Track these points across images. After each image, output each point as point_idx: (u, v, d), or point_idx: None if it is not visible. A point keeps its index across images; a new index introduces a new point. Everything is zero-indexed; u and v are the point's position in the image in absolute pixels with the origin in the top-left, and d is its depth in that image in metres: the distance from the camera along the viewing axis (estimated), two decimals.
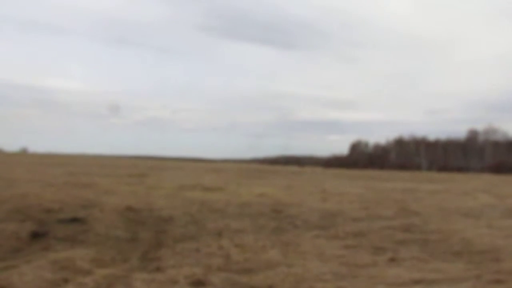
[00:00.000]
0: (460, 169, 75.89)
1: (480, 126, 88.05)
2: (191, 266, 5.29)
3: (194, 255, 6.01)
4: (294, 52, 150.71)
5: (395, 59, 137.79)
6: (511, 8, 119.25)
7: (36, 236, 6.99)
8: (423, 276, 5.07)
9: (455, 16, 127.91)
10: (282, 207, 11.60)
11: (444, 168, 79.86)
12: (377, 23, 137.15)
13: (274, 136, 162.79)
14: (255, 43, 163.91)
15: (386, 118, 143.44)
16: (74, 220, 8.55)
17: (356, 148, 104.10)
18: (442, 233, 8.11)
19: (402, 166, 74.23)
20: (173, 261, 5.55)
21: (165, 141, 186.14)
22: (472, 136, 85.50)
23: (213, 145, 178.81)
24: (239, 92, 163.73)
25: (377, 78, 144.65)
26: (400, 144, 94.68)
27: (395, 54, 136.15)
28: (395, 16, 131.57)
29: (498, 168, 59.68)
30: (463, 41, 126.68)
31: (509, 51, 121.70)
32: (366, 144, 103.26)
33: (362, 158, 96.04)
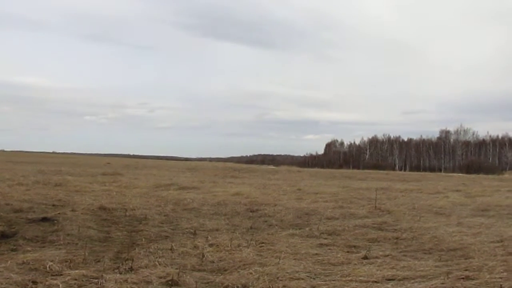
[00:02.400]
0: (432, 168, 77.65)
1: (451, 127, 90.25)
2: (165, 266, 5.24)
3: (168, 254, 5.95)
4: (272, 51, 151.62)
5: (371, 61, 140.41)
6: (484, 17, 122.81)
7: (4, 236, 6.79)
8: (395, 273, 5.16)
9: (429, 22, 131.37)
10: (258, 206, 11.62)
11: (417, 167, 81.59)
12: (354, 25, 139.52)
13: (250, 135, 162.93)
14: (234, 42, 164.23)
15: (361, 118, 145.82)
16: (44, 220, 8.35)
17: (331, 147, 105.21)
18: (414, 231, 8.27)
19: (377, 165, 75.39)
20: (146, 261, 5.48)
21: (140, 139, 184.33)
22: (444, 136, 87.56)
23: (190, 144, 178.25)
24: (216, 91, 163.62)
25: (353, 79, 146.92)
26: (374, 144, 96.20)
27: (371, 56, 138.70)
28: (372, 20, 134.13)
29: (469, 168, 61.25)
30: (437, 46, 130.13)
31: (480, 57, 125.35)
32: (341, 144, 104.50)
33: (337, 158, 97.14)
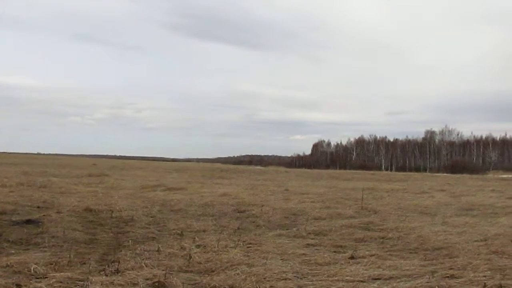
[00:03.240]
0: (417, 169, 78.47)
1: (436, 127, 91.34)
2: (151, 268, 5.20)
3: (155, 256, 5.91)
4: (260, 52, 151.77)
5: (357, 62, 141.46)
6: (468, 19, 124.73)
7: None
8: (381, 273, 5.20)
9: (415, 25, 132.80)
10: (245, 207, 11.62)
11: (402, 167, 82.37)
12: (341, 27, 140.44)
13: (238, 136, 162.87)
14: (222, 42, 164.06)
15: (348, 119, 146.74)
16: (29, 222, 8.24)
17: (318, 148, 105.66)
18: (400, 231, 8.35)
19: (363, 165, 75.97)
20: (133, 262, 5.43)
21: (127, 140, 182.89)
22: (429, 137, 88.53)
23: (177, 144, 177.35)
24: (204, 91, 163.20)
25: (339, 80, 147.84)
26: (361, 144, 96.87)
27: (358, 57, 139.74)
28: (359, 22, 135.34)
29: (453, 168, 62.07)
30: (422, 48, 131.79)
31: (464, 58, 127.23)
32: (328, 144, 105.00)
33: (324, 158, 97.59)
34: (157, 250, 6.20)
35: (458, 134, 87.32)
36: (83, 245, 6.67)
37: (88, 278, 4.68)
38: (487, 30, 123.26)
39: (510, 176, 48.64)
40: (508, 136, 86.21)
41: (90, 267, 5.17)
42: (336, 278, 4.97)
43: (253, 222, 9.35)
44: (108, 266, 5.23)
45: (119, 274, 4.93)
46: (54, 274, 4.82)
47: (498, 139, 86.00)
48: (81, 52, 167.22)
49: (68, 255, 5.67)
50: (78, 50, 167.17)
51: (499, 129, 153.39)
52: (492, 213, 11.65)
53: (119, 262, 5.38)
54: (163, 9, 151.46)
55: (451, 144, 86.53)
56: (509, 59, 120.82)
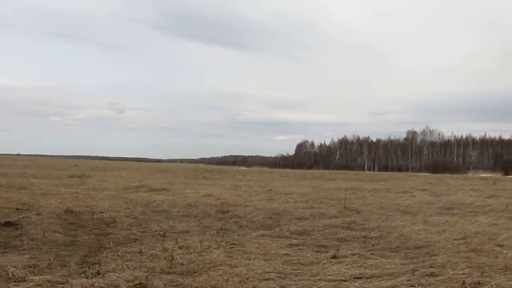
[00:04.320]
0: (400, 168, 79.43)
1: (418, 128, 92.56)
2: (133, 270, 5.15)
3: (137, 258, 5.86)
4: (244, 53, 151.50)
5: (341, 63, 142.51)
6: (448, 23, 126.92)
7: None
8: (362, 271, 5.25)
9: (397, 27, 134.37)
10: (228, 207, 11.60)
11: (385, 167, 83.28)
12: (326, 29, 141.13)
13: (221, 137, 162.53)
14: (206, 43, 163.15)
15: (331, 119, 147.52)
16: (7, 224, 8.07)
17: (302, 148, 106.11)
18: (382, 230, 8.44)
19: (346, 165, 76.50)
20: (114, 264, 5.38)
21: (110, 140, 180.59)
22: (411, 137, 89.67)
23: (160, 145, 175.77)
24: (188, 91, 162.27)
25: (323, 80, 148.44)
26: (344, 144, 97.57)
27: (341, 58, 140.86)
28: (343, 24, 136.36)
29: (435, 167, 62.98)
30: (403, 50, 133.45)
31: (444, 60, 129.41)
32: (312, 145, 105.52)
33: (308, 158, 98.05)
34: (139, 252, 6.15)
35: (439, 134, 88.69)
36: (63, 247, 6.57)
37: (68, 280, 4.61)
38: (469, 33, 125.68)
39: (489, 175, 49.60)
40: (487, 136, 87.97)
41: (70, 270, 5.10)
42: (318, 277, 5.00)
43: (237, 222, 9.34)
44: (89, 268, 5.17)
45: (100, 276, 4.88)
46: (33, 277, 4.75)
47: (477, 139, 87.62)
48: (62, 51, 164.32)
49: (48, 258, 5.59)
50: (59, 49, 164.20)
51: (478, 129, 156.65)
52: (471, 212, 11.86)
53: (100, 264, 5.32)
54: (147, 8, 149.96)
55: (432, 144, 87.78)
56: (488, 62, 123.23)
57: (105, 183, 19.84)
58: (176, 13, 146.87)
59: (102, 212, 10.16)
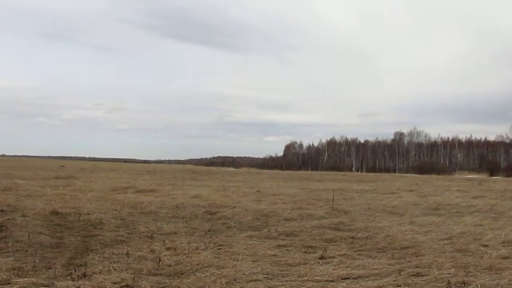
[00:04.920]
0: (387, 169, 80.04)
1: (405, 129, 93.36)
2: (120, 271, 5.12)
3: (124, 259, 5.82)
4: (233, 54, 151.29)
5: (330, 65, 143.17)
6: (436, 26, 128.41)
7: None
8: (349, 272, 5.28)
9: (385, 30, 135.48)
10: (217, 208, 11.57)
11: (372, 168, 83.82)
12: (313, 30, 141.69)
13: (210, 138, 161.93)
14: (194, 43, 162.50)
15: (320, 121, 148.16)
16: None
17: (290, 149, 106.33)
18: (369, 231, 8.50)
19: (334, 166, 76.81)
20: (101, 266, 5.34)
21: (97, 141, 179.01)
22: (398, 138, 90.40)
23: (148, 146, 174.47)
24: (177, 92, 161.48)
25: (312, 82, 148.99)
26: (332, 145, 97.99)
27: (331, 60, 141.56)
28: (332, 26, 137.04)
29: (421, 168, 63.56)
30: (392, 52, 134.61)
31: (431, 63, 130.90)
32: (300, 146, 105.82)
33: (296, 159, 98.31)
34: (126, 254, 6.11)
35: (426, 136, 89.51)
36: (49, 249, 6.50)
37: (53, 283, 4.57)
38: (456, 37, 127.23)
39: (475, 176, 50.25)
40: (473, 138, 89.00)
41: (56, 272, 5.05)
42: (306, 278, 5.02)
43: (225, 223, 9.33)
44: (75, 271, 5.12)
45: (86, 278, 4.84)
46: (17, 280, 4.69)
47: (463, 140, 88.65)
48: (49, 51, 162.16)
49: (33, 260, 5.53)
50: (45, 49, 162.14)
51: (464, 131, 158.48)
52: (457, 213, 12.00)
53: (86, 266, 5.27)
54: (137, 9, 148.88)
55: (419, 145, 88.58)
56: (475, 65, 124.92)
57: (92, 184, 19.67)
58: (165, 14, 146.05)
59: (89, 214, 10.07)
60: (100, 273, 5.03)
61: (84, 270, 5.06)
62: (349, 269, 5.44)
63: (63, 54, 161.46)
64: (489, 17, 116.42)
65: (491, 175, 55.22)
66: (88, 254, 6.09)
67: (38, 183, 19.05)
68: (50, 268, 5.30)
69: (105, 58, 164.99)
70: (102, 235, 7.64)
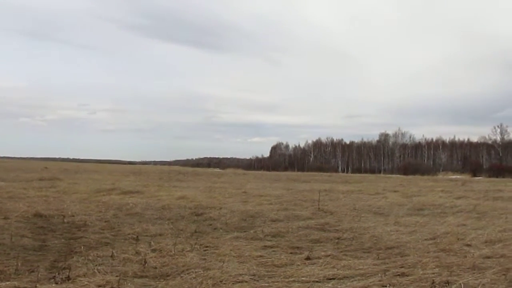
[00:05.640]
0: (372, 170, 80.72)
1: (390, 130, 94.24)
2: (104, 274, 5.06)
3: (109, 262, 5.75)
4: (220, 55, 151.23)
5: (316, 67, 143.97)
6: (421, 30, 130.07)
7: None
8: (335, 272, 5.30)
9: (371, 32, 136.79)
10: (203, 209, 11.53)
11: (358, 169, 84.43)
12: (300, 32, 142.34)
13: (196, 138, 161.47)
14: (182, 44, 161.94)
15: (306, 122, 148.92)
16: None
17: (277, 150, 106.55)
18: (354, 231, 8.56)
19: (320, 167, 77.18)
20: (85, 269, 5.27)
21: (81, 142, 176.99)
22: (383, 139, 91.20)
23: (134, 147, 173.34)
24: (163, 93, 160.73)
25: (298, 83, 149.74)
26: (318, 146, 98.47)
27: (316, 61, 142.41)
28: (318, 28, 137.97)
29: (406, 169, 64.26)
30: (377, 55, 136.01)
31: (417, 65, 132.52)
32: (287, 147, 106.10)
33: (283, 160, 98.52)
34: (111, 256, 6.04)
35: (410, 137, 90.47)
36: (32, 252, 6.39)
37: (36, 286, 4.50)
38: (442, 40, 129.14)
39: (458, 177, 50.97)
40: (456, 139, 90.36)
41: (39, 275, 4.97)
42: (292, 279, 5.03)
43: (211, 225, 9.30)
44: (58, 274, 5.04)
45: (70, 281, 4.77)
46: None
47: (447, 141, 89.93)
48: (33, 50, 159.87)
49: (15, 263, 5.43)
50: (28, 47, 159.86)
51: (448, 132, 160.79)
52: (441, 213, 12.15)
53: (70, 269, 5.20)
54: (123, 9, 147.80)
55: (404, 146, 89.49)
56: (459, 68, 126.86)
57: (77, 186, 19.44)
58: (152, 14, 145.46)
59: (73, 216, 9.95)
60: (84, 275, 4.97)
61: (68, 273, 4.99)
62: (335, 269, 5.47)
63: (46, 53, 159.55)
64: (475, 22, 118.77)
65: (474, 175, 56.11)
66: (72, 257, 6.01)
67: (21, 185, 18.76)
68: (33, 271, 5.21)
69: (90, 58, 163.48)
70: (86, 237, 7.55)
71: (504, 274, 5.29)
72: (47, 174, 29.63)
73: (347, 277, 5.17)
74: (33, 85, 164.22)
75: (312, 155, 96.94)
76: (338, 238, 7.86)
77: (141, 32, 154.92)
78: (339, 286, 4.80)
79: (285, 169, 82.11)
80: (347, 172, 78.53)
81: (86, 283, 4.66)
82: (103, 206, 11.88)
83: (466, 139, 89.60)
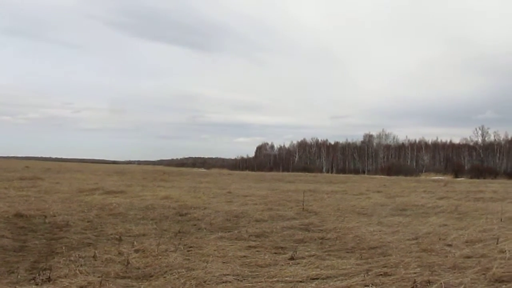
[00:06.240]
0: (356, 171, 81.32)
1: (374, 131, 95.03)
2: (86, 275, 5.00)
3: (91, 262, 5.69)
4: (207, 54, 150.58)
5: (302, 67, 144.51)
6: (405, 32, 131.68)
7: None
8: (319, 272, 5.33)
9: (357, 35, 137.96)
10: (187, 210, 11.48)
11: (342, 169, 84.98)
12: (286, 32, 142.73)
13: (182, 138, 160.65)
14: (168, 43, 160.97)
15: (291, 122, 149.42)
16: None
17: (262, 150, 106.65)
18: (338, 231, 8.61)
19: (305, 168, 77.43)
20: (66, 270, 5.20)
21: (64, 141, 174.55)
22: (367, 140, 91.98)
23: (118, 146, 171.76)
24: (148, 92, 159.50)
25: (284, 83, 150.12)
26: (303, 147, 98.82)
27: (302, 62, 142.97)
28: (305, 29, 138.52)
29: (390, 170, 64.88)
30: (363, 57, 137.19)
31: (401, 68, 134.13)
32: (272, 147, 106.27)
33: (268, 161, 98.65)
34: (93, 256, 5.98)
35: (394, 138, 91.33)
36: (11, 253, 6.29)
37: (16, 287, 4.41)
38: (426, 43, 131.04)
39: (440, 177, 51.70)
40: (439, 140, 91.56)
41: (19, 276, 4.89)
42: (275, 279, 5.04)
43: (195, 225, 9.26)
44: (39, 275, 4.96)
45: (51, 282, 4.71)
46: None
47: (430, 143, 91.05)
48: (14, 47, 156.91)
49: None
50: (10, 45, 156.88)
51: (431, 134, 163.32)
52: (423, 213, 12.30)
53: (51, 270, 5.13)
54: (107, 7, 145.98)
55: (388, 147, 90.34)
56: (442, 71, 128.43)
57: (59, 185, 19.17)
58: (137, 13, 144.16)
59: (55, 216, 9.81)
60: (65, 276, 4.91)
61: (48, 274, 4.92)
62: (319, 269, 5.50)
63: (29, 51, 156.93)
64: (459, 27, 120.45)
65: (456, 176, 56.95)
66: (53, 258, 5.93)
67: (1, 184, 18.42)
68: (13, 272, 5.13)
69: (74, 56, 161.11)
70: (68, 238, 7.45)
71: (484, 274, 5.38)
72: (28, 173, 29.15)
73: (330, 277, 5.20)
74: (15, 83, 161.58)
75: (297, 156, 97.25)
76: (322, 238, 7.90)
77: (127, 31, 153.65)
78: (322, 286, 4.82)
79: (270, 169, 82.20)
80: (331, 173, 78.94)
81: (67, 284, 4.60)
82: (85, 206, 11.74)
83: (448, 141, 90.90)
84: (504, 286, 4.95)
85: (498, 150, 78.07)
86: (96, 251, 6.22)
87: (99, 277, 4.83)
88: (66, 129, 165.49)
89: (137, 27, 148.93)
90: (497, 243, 7.30)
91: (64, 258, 5.85)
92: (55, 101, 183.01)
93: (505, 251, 6.60)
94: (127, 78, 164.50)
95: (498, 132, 79.53)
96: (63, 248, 6.60)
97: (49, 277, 4.85)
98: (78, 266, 5.40)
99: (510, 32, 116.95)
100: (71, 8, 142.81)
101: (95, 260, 5.81)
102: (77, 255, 6.04)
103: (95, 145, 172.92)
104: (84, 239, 7.39)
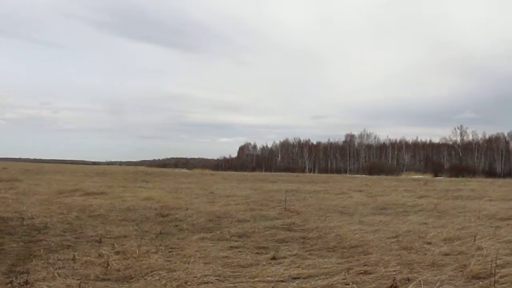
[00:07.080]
0: (338, 170, 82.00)
1: (356, 131, 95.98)
2: (65, 278, 4.92)
3: (70, 265, 5.60)
4: (189, 54, 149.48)
5: (285, 68, 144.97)
6: (387, 34, 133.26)
7: None
8: (300, 272, 5.35)
9: (339, 36, 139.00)
10: (169, 210, 11.41)
11: (325, 169, 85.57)
12: (269, 33, 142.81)
13: (163, 138, 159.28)
14: (151, 43, 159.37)
15: (274, 122, 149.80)
16: None
17: (244, 150, 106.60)
18: (320, 231, 8.66)
19: (288, 168, 77.76)
20: (44, 273, 5.11)
21: (43, 142, 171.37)
22: (349, 140, 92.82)
23: (99, 147, 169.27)
24: (129, 92, 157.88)
25: (266, 84, 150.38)
26: (286, 147, 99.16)
27: (285, 63, 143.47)
28: (287, 30, 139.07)
29: (371, 169, 65.60)
30: (344, 57, 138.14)
31: (382, 69, 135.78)
32: (254, 147, 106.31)
33: (250, 161, 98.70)
34: (73, 259, 5.89)
35: (375, 138, 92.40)
36: None
37: None
38: (407, 45, 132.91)
39: (420, 176, 52.51)
40: (419, 140, 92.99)
41: None
42: (257, 279, 5.04)
43: (177, 226, 9.20)
44: (16, 278, 4.87)
45: (28, 285, 4.62)
46: None
47: (410, 142, 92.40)
48: None
49: None
50: None
51: (411, 133, 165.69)
52: (403, 212, 12.47)
53: (28, 273, 5.03)
54: (89, 5, 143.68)
55: (369, 147, 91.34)
56: (422, 72, 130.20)
57: (37, 187, 18.84)
58: (119, 12, 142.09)
59: (33, 218, 9.63)
60: (43, 280, 4.82)
61: (26, 277, 4.83)
62: (300, 269, 5.52)
63: (6, 49, 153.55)
64: (441, 29, 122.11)
65: (436, 175, 57.98)
66: (31, 261, 5.82)
67: None
68: None
69: (54, 55, 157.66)
70: (46, 240, 7.32)
71: (461, 271, 5.49)
72: (5, 175, 28.55)
73: (311, 276, 5.23)
74: None
75: (279, 156, 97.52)
76: (303, 238, 7.94)
77: (108, 30, 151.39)
78: (303, 285, 4.84)
79: (253, 169, 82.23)
80: (314, 172, 79.40)
81: (45, 287, 4.52)
82: (65, 208, 11.56)
83: (428, 140, 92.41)
84: (481, 282, 5.05)
85: (476, 149, 79.77)
86: (75, 254, 6.13)
87: (78, 279, 4.76)
88: (45, 130, 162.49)
89: (119, 26, 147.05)
90: (474, 241, 7.45)
91: (42, 261, 5.74)
92: (33, 101, 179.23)
93: (482, 248, 6.75)
94: (108, 78, 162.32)
95: (476, 132, 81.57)
96: (42, 250, 6.48)
97: (27, 280, 4.76)
98: (56, 269, 5.31)
99: (488, 35, 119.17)
100: (48, 6, 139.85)
101: (75, 263, 5.72)
102: (55, 258, 5.94)
103: (75, 146, 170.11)
104: (63, 242, 7.27)
